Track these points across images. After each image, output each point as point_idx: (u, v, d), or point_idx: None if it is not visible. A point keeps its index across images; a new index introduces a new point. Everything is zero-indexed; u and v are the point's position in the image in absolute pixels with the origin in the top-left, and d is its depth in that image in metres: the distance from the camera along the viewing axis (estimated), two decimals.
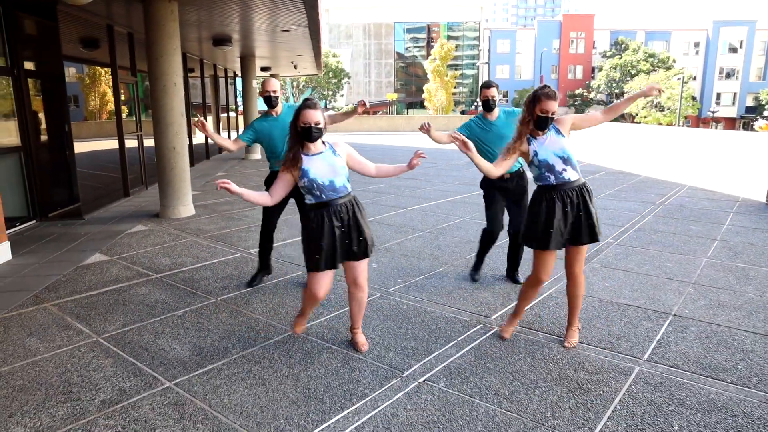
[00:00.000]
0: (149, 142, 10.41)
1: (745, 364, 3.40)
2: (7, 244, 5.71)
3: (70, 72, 8.80)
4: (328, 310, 4.23)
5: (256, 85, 17.07)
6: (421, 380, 3.16)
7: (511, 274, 5.00)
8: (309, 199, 3.27)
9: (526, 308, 3.77)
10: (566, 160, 3.38)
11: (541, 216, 3.45)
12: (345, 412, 2.82)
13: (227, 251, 5.94)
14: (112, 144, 9.50)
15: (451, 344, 3.63)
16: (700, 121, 55.49)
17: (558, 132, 3.43)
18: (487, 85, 4.64)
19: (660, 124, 39.64)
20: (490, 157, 4.46)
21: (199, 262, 5.56)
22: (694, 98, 52.02)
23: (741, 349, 3.60)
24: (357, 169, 3.43)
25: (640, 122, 41.73)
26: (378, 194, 9.77)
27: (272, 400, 2.93)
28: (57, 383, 3.12)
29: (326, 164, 3.21)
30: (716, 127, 48.45)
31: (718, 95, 56.66)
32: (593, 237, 3.48)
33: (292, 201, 4.33)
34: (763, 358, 3.48)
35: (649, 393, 3.05)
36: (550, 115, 3.30)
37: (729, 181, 11.37)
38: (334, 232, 3.20)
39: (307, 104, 3.15)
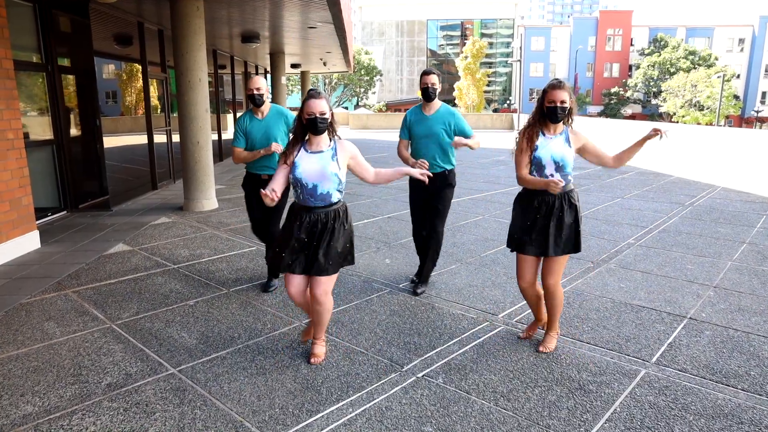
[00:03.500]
0: (178, 137, 10.66)
1: (759, 371, 3.28)
2: (36, 233, 5.93)
3: (109, 69, 9.09)
4: (335, 303, 4.27)
5: (284, 81, 17.27)
6: (420, 375, 3.16)
7: None
8: (294, 194, 3.22)
9: (538, 310, 3.66)
10: (559, 167, 3.31)
11: (517, 218, 3.41)
12: (340, 404, 2.85)
13: (244, 244, 6.04)
14: (145, 139, 9.76)
15: (454, 341, 3.62)
16: (743, 120, 53.54)
17: (567, 141, 3.35)
18: (427, 71, 4.35)
19: (699, 123, 38.39)
20: (417, 153, 4.33)
21: (217, 254, 5.67)
22: (736, 97, 50.18)
23: (756, 356, 3.48)
24: (357, 172, 3.25)
25: (678, 122, 40.49)
26: (401, 191, 9.76)
27: (270, 390, 2.98)
28: (68, 366, 3.24)
29: (318, 166, 3.05)
30: (760, 128, 46.63)
31: (764, 94, 54.55)
32: (567, 249, 3.32)
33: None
34: None
35: (652, 396, 2.98)
36: (558, 104, 3.17)
37: (766, 183, 10.96)
38: (300, 240, 3.06)
39: (312, 94, 3.03)
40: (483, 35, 69.17)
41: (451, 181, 4.47)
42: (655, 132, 3.16)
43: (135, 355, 3.39)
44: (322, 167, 3.06)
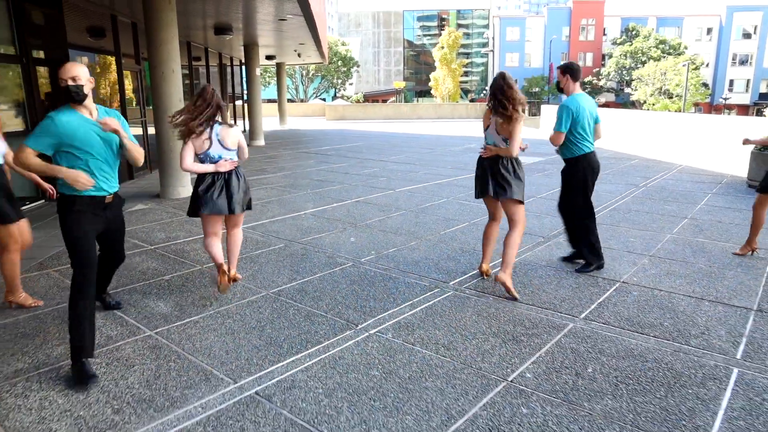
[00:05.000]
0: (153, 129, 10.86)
1: (671, 322, 3.74)
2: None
3: (82, 61, 9.24)
4: (301, 276, 4.63)
5: (259, 73, 17.44)
6: (372, 332, 3.55)
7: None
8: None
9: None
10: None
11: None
12: (299, 356, 3.22)
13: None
14: None
15: (406, 304, 4.02)
16: (712, 108, 54.86)
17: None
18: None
19: (668, 110, 39.36)
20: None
21: (191, 236, 5.98)
22: (705, 85, 51.42)
23: (672, 310, 3.95)
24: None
25: (648, 109, 41.46)
26: (372, 177, 10.13)
27: (237, 346, 3.34)
28: (54, 331, 3.55)
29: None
30: (728, 114, 47.93)
31: (731, 82, 55.93)
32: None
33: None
34: (690, 317, 3.82)
35: (575, 344, 3.41)
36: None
37: (723, 163, 11.59)
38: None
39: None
40: (459, 26, 69.56)
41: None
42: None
43: (115, 321, 3.72)
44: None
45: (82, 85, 3.04)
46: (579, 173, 4.79)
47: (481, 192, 4.35)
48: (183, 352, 3.26)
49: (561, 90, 4.74)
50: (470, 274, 4.70)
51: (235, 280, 4.30)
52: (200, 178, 4.06)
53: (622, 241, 5.77)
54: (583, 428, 2.55)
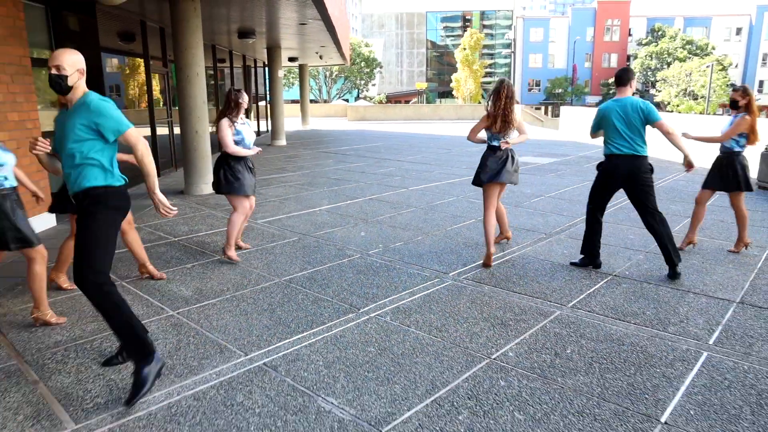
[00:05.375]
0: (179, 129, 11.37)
1: (654, 312, 3.99)
2: (53, 215, 6.66)
3: (113, 63, 9.77)
4: (311, 266, 4.99)
5: (282, 75, 17.93)
6: (372, 315, 3.88)
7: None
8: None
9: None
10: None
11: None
12: (304, 334, 3.57)
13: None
14: (147, 131, 10.48)
15: (406, 292, 4.34)
16: None
17: None
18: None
19: (693, 112, 38.81)
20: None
21: (212, 229, 6.39)
22: (731, 86, 50.47)
23: (657, 301, 4.19)
24: None
25: (672, 111, 40.94)
26: (387, 176, 10.46)
27: (250, 326, 3.71)
28: (88, 311, 3.97)
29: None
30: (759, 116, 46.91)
31: (761, 83, 54.84)
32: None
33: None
34: (673, 307, 4.06)
35: (559, 329, 3.69)
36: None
37: None
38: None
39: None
40: (484, 26, 69.53)
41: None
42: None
43: (141, 303, 4.12)
44: None
45: (66, 75, 2.75)
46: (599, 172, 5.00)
47: (490, 178, 5.04)
48: (201, 330, 3.64)
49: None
50: (470, 266, 5.00)
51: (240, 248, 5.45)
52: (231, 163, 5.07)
53: (621, 238, 5.99)
54: (553, 399, 2.84)
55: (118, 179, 3.03)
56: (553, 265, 5.06)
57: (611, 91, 53.98)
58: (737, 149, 5.35)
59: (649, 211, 4.86)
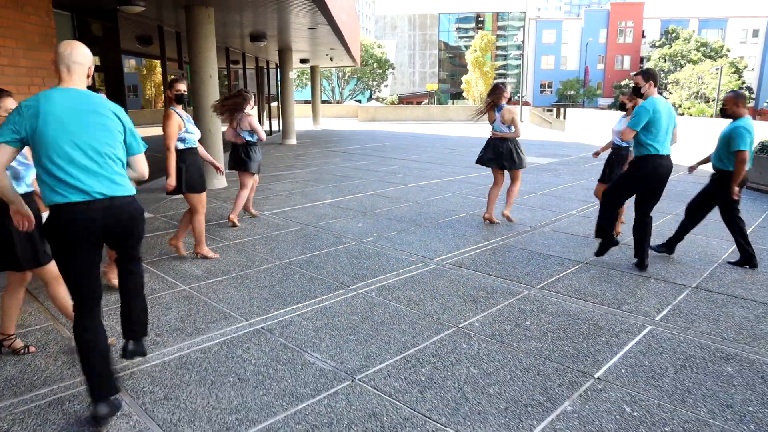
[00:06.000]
0: None
1: (613, 293, 4.44)
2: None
3: (130, 64, 10.39)
4: (310, 251, 5.51)
5: (295, 76, 18.51)
6: (360, 291, 4.38)
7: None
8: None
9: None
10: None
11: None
12: (298, 305, 4.09)
13: (245, 213, 7.31)
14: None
15: (392, 273, 4.84)
16: (756, 113, 53.46)
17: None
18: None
19: (704, 115, 38.78)
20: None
21: (223, 219, 6.94)
22: (749, 89, 50.18)
23: (619, 284, 4.64)
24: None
25: (683, 113, 40.91)
26: (390, 174, 10.96)
27: (251, 298, 4.23)
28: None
29: None
30: None
31: None
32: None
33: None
34: (632, 290, 4.50)
35: (523, 305, 4.16)
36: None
37: None
38: None
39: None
40: (499, 28, 69.74)
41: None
42: None
43: (158, 279, 4.67)
44: None
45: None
46: (636, 172, 4.97)
47: (496, 165, 6.57)
48: (209, 301, 4.17)
49: (641, 95, 4.86)
50: (454, 253, 5.48)
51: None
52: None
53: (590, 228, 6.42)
54: (505, 358, 3.32)
55: None
56: (530, 254, 5.52)
57: (625, 93, 53.93)
58: (625, 144, 5.90)
59: (650, 211, 5.11)
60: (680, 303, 4.24)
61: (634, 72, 5.39)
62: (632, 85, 5.04)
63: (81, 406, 2.80)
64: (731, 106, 5.08)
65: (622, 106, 6.26)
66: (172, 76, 5.89)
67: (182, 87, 5.01)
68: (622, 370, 3.20)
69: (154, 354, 3.31)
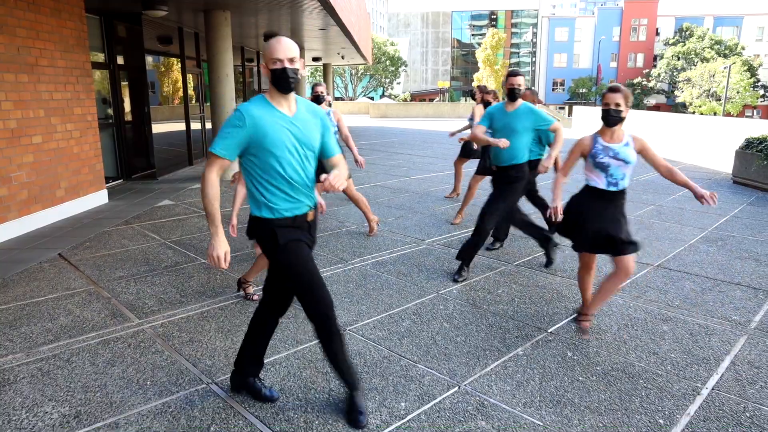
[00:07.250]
0: (210, 123, 12.67)
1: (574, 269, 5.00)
2: (105, 191, 7.98)
3: (148, 61, 11.10)
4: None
5: (309, 73, 19.15)
6: (357, 265, 5.01)
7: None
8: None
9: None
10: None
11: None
12: None
13: None
14: (181, 125, 11.80)
15: (387, 251, 5.46)
16: None
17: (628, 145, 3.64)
18: (515, 73, 4.57)
19: (715, 114, 38.84)
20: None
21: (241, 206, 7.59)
22: (765, 87, 49.89)
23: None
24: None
25: (694, 112, 40.96)
26: (394, 167, 11.57)
27: (261, 273, 4.88)
28: (140, 259, 5.19)
29: None
30: None
31: None
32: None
33: None
34: (600, 267, 5.06)
35: (498, 278, 4.75)
36: (612, 107, 3.45)
37: (728, 162, 12.36)
38: None
39: None
40: (513, 25, 69.92)
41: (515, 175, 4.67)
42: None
43: (179, 254, 5.33)
44: None
45: (297, 69, 2.46)
46: None
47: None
48: (230, 273, 4.83)
49: None
50: (445, 235, 6.08)
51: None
52: None
53: None
54: (474, 316, 3.92)
55: None
56: (513, 236, 6.10)
57: (636, 91, 53.96)
58: None
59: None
60: (639, 278, 4.81)
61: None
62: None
63: (123, 345, 3.46)
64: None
65: (486, 105, 6.90)
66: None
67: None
68: (572, 327, 3.78)
69: (179, 309, 3.97)
